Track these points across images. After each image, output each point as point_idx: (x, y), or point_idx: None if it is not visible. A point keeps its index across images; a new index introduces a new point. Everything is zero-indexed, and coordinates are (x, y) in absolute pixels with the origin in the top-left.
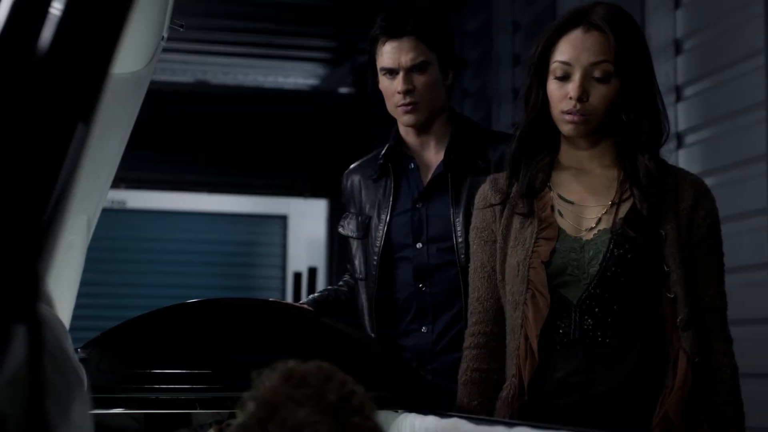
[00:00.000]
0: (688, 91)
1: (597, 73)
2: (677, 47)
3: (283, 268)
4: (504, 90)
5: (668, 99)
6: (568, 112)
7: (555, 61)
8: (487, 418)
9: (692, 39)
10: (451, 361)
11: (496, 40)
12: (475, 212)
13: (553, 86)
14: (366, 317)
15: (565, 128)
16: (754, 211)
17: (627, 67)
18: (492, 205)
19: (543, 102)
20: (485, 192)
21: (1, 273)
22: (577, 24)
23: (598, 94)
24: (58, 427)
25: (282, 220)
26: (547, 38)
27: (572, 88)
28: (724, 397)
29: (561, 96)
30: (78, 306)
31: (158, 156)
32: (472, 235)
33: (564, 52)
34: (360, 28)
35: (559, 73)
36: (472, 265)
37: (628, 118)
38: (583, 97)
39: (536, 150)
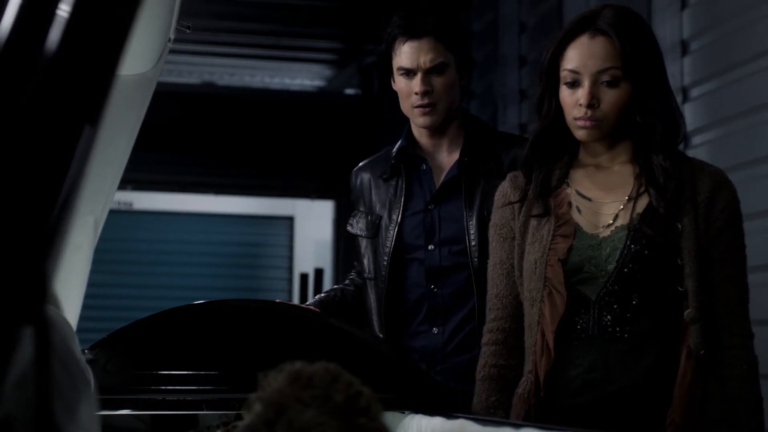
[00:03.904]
0: (694, 92)
1: (606, 79)
2: (684, 48)
3: (290, 269)
4: (510, 91)
5: None
6: (580, 119)
7: (564, 69)
8: (493, 419)
9: (699, 40)
10: (461, 362)
11: (502, 41)
12: (494, 210)
13: (564, 93)
14: (375, 317)
15: (579, 134)
16: (762, 212)
17: (635, 71)
18: (511, 203)
19: (556, 109)
20: (505, 189)
21: (8, 275)
22: (584, 30)
23: (609, 99)
24: (65, 429)
25: (288, 221)
26: (555, 45)
27: (582, 95)
28: (737, 393)
29: (572, 103)
30: (85, 307)
31: (165, 157)
32: (491, 232)
33: (572, 59)
34: (366, 29)
35: (569, 80)
36: (491, 262)
37: (642, 119)
38: (593, 103)
39: (549, 155)
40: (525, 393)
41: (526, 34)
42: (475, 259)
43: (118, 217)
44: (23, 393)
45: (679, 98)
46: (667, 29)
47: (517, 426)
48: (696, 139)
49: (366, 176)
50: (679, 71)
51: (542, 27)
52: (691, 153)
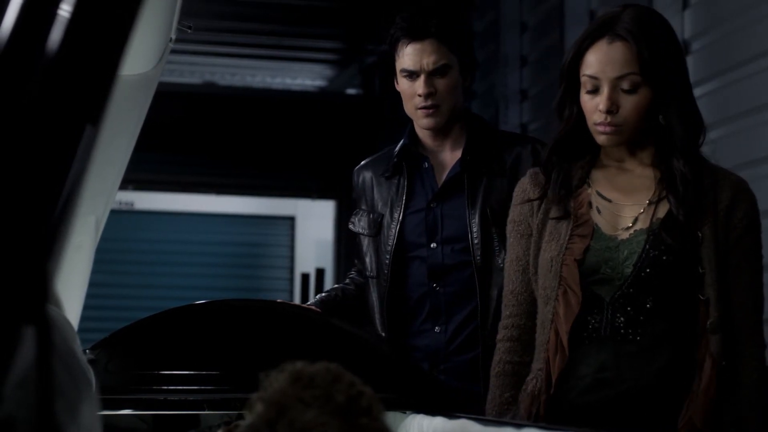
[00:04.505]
0: (696, 92)
1: (625, 85)
2: (685, 48)
3: (291, 269)
4: (511, 91)
5: None
6: (600, 124)
7: (584, 75)
8: (495, 419)
9: (700, 40)
10: (464, 361)
11: (504, 41)
12: (512, 206)
13: (584, 98)
14: (377, 316)
15: (600, 139)
16: (763, 212)
17: (655, 75)
18: (530, 200)
19: (578, 113)
20: (524, 186)
21: (9, 275)
22: (603, 34)
23: (628, 104)
24: (66, 429)
25: (290, 221)
26: (575, 49)
27: (601, 101)
28: (748, 401)
29: (592, 108)
30: (86, 307)
31: (166, 157)
32: (509, 228)
33: (591, 65)
34: (368, 29)
35: (588, 87)
36: (507, 258)
37: (663, 122)
38: (612, 109)
39: (570, 158)
40: (535, 390)
41: (527, 34)
42: (478, 257)
43: (119, 217)
44: (25, 393)
45: None
46: None
47: (518, 426)
48: None
49: (368, 174)
50: None
51: (544, 27)
52: None
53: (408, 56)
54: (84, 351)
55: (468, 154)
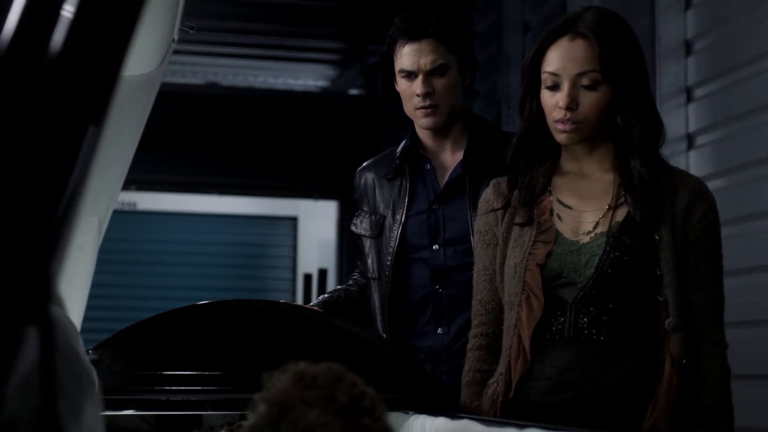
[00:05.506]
0: (698, 93)
1: (585, 82)
2: (688, 48)
3: (294, 269)
4: (514, 91)
5: (679, 100)
6: (559, 121)
7: (545, 71)
8: (497, 419)
9: (703, 40)
10: None
11: (506, 41)
12: (478, 216)
13: (545, 95)
14: (378, 317)
15: (559, 137)
16: (765, 212)
17: (615, 74)
18: (494, 210)
19: (538, 110)
20: (488, 196)
21: (13, 275)
22: (565, 32)
23: (588, 102)
24: (69, 429)
25: (292, 221)
26: (537, 47)
27: (561, 97)
28: (711, 400)
29: (552, 105)
30: (89, 307)
31: (169, 158)
32: (476, 238)
33: (552, 62)
34: (370, 29)
35: (549, 83)
36: (475, 268)
37: (622, 122)
38: (572, 105)
39: (534, 157)
40: (495, 394)
41: (529, 34)
42: None
43: (121, 217)
44: (27, 393)
45: (683, 98)
46: (671, 29)
47: (521, 426)
48: (700, 140)
49: (370, 176)
50: (683, 71)
51: (546, 27)
52: (694, 153)
53: (406, 56)
54: (87, 351)
55: (469, 156)
